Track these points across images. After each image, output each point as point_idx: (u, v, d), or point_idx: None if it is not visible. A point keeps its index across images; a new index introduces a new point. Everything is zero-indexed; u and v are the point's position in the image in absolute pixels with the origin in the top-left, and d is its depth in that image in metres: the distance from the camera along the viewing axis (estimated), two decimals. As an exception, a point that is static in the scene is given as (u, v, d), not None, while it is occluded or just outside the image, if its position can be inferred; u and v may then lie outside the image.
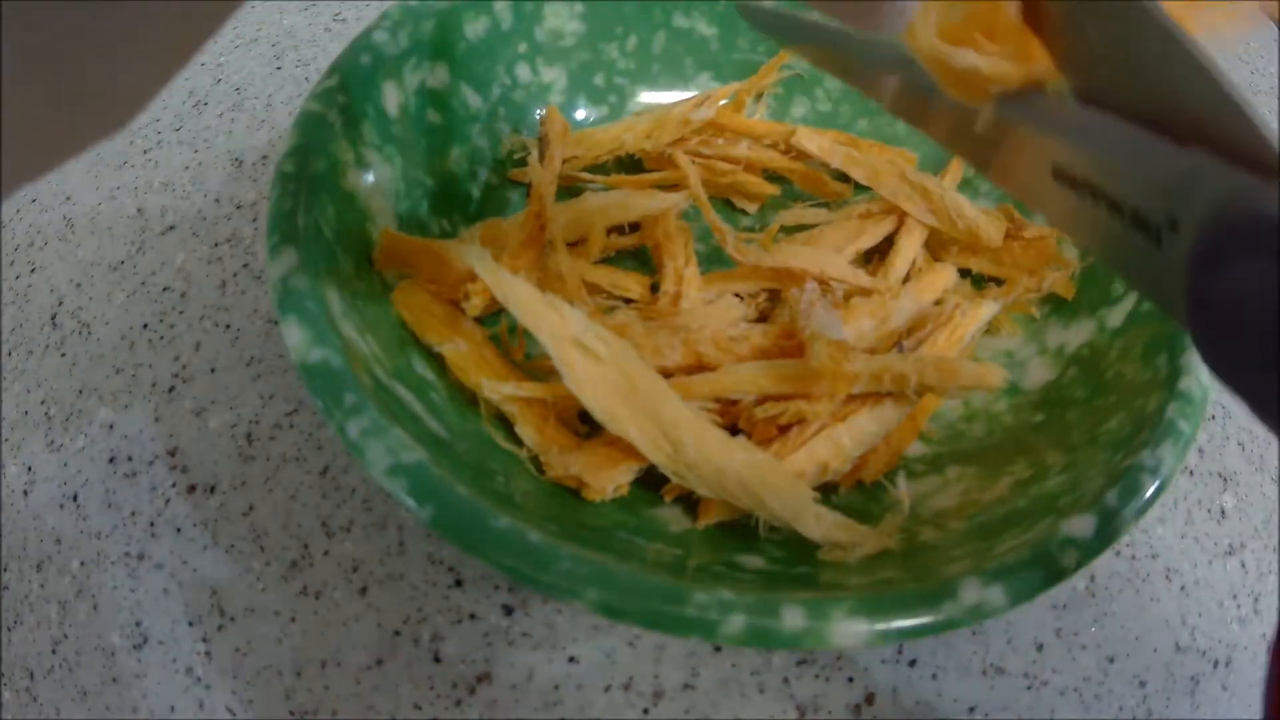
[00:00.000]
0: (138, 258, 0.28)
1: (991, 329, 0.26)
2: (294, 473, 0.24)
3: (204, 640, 0.22)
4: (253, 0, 0.37)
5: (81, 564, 0.23)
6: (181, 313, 0.27)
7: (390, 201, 0.23)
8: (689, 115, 0.27)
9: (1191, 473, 0.27)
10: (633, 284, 0.25)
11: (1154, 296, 0.14)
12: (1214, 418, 0.28)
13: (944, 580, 0.17)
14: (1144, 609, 0.24)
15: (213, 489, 0.24)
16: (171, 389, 0.25)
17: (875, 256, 0.27)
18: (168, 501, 0.24)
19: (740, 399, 0.21)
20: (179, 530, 0.23)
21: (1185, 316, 0.13)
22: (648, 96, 0.30)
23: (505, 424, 0.22)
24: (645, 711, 0.21)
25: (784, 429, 0.21)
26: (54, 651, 0.22)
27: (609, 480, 0.20)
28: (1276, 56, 0.44)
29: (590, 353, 0.19)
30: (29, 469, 0.25)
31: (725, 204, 0.29)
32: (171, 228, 0.29)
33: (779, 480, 0.19)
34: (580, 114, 0.29)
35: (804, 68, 0.31)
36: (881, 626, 0.16)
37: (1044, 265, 0.26)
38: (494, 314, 0.23)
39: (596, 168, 0.28)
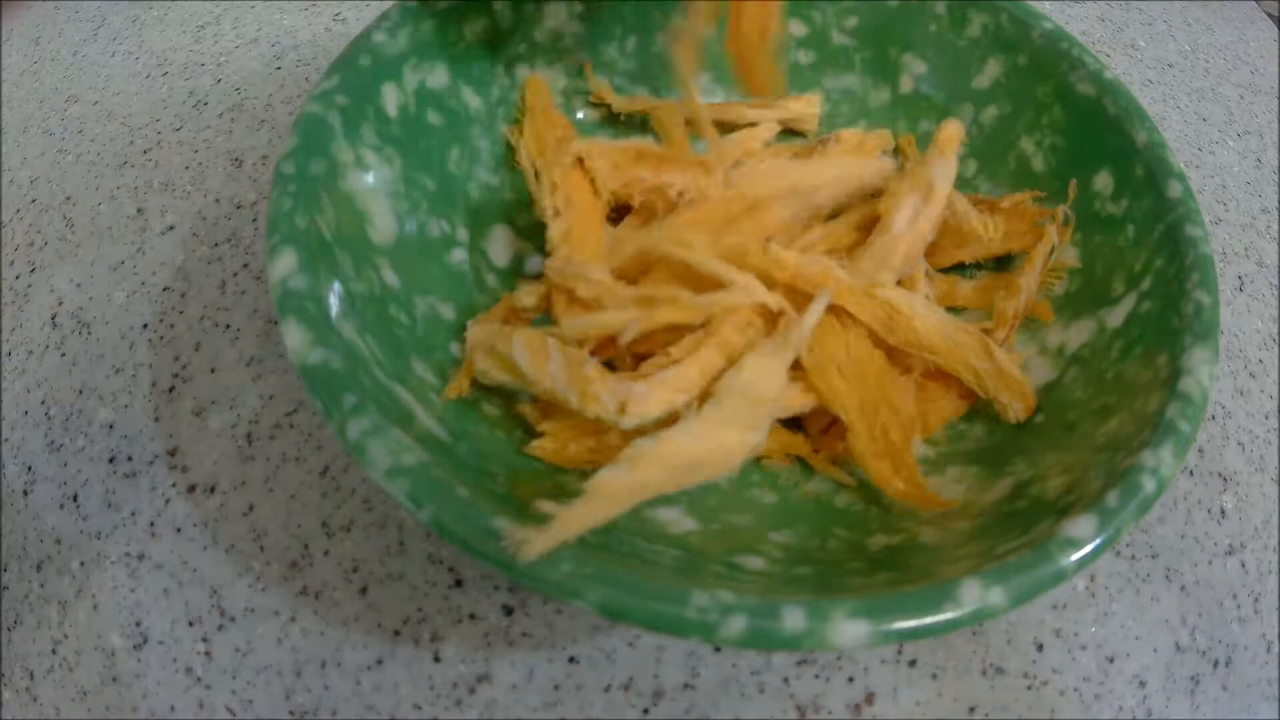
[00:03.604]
0: (138, 258, 0.28)
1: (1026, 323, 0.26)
2: (294, 473, 0.24)
3: (204, 640, 0.22)
4: (253, 0, 0.37)
5: (81, 564, 0.23)
6: (181, 313, 0.27)
7: (390, 203, 0.23)
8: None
9: (1191, 473, 0.27)
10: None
11: None
12: (1214, 418, 0.28)
13: (944, 581, 0.17)
14: (1144, 609, 0.24)
15: (213, 489, 0.24)
16: (171, 389, 0.25)
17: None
18: (168, 501, 0.24)
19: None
20: (179, 530, 0.23)
21: None
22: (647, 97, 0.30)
23: (503, 427, 0.22)
24: (645, 711, 0.21)
25: None
26: (54, 651, 0.22)
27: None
28: (1276, 56, 0.44)
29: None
30: (29, 469, 0.25)
31: None
32: (171, 228, 0.29)
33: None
34: (580, 115, 0.29)
35: (807, 63, 0.31)
36: (882, 628, 0.16)
37: (1032, 225, 0.26)
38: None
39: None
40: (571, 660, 0.22)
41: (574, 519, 0.17)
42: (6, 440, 0.25)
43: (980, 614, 0.16)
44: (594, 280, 0.22)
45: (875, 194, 0.27)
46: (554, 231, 0.24)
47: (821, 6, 0.30)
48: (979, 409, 0.24)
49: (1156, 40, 0.43)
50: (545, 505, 0.17)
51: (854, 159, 0.27)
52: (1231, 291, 0.32)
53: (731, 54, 0.23)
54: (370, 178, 0.23)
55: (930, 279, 0.26)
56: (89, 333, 0.27)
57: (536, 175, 0.26)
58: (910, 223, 0.25)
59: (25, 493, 0.24)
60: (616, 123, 0.30)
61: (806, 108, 0.30)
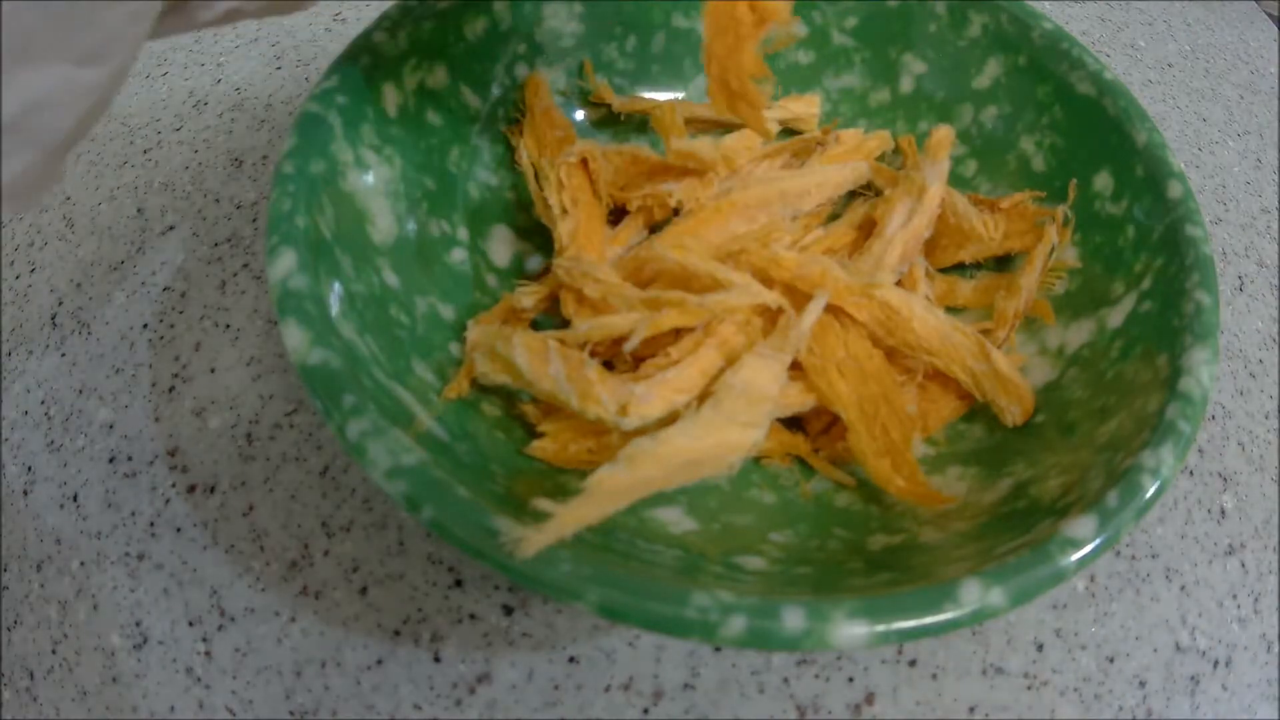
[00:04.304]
0: (138, 258, 0.28)
1: (1025, 325, 0.26)
2: (294, 473, 0.24)
3: (204, 640, 0.22)
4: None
5: (81, 564, 0.23)
6: (181, 313, 0.27)
7: (390, 203, 0.23)
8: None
9: (1191, 473, 0.27)
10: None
11: None
12: (1214, 418, 0.28)
13: (944, 581, 0.17)
14: (1144, 609, 0.24)
15: (213, 489, 0.24)
16: (171, 389, 0.25)
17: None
18: (168, 501, 0.24)
19: None
20: (179, 530, 0.23)
21: None
22: (647, 97, 0.30)
23: (502, 426, 0.22)
24: (645, 711, 0.21)
25: None
26: (54, 651, 0.22)
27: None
28: (1276, 56, 0.44)
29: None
30: (29, 469, 0.25)
31: None
32: (171, 228, 0.29)
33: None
34: (579, 115, 0.29)
35: (807, 63, 0.31)
36: (882, 628, 0.16)
37: (1032, 225, 0.26)
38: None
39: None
40: (571, 660, 0.22)
41: (572, 516, 0.17)
42: (6, 440, 0.25)
43: (980, 614, 0.16)
44: (602, 280, 0.22)
45: (877, 192, 0.28)
46: (562, 230, 0.24)
47: (821, 6, 0.30)
48: (979, 409, 0.24)
49: (1156, 40, 0.43)
50: (543, 503, 0.17)
51: (836, 164, 0.27)
52: (1231, 291, 0.32)
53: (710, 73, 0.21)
54: (370, 178, 0.23)
55: (930, 279, 0.26)
56: (89, 333, 0.27)
57: (536, 175, 0.26)
58: (903, 224, 0.25)
59: (25, 493, 0.24)
60: (616, 123, 0.30)
61: (806, 108, 0.30)
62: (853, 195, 0.28)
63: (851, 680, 0.22)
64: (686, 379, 0.21)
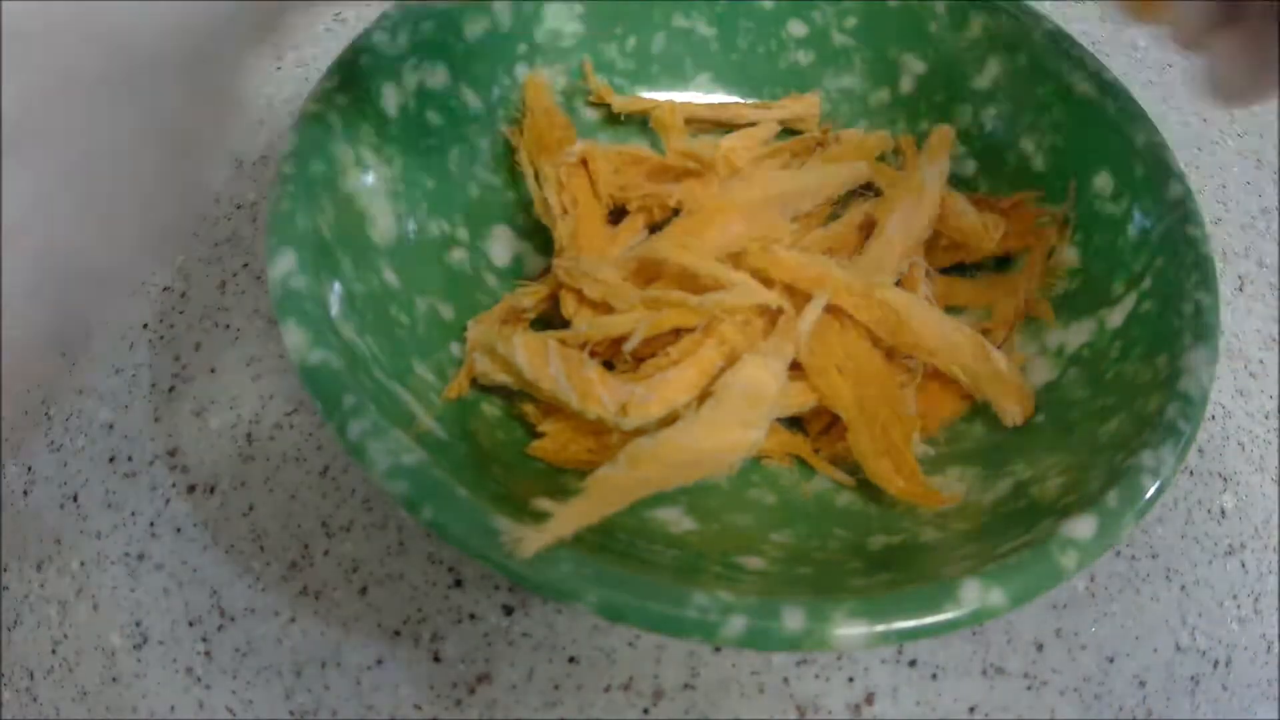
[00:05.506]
0: (137, 258, 0.28)
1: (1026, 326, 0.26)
2: (294, 473, 0.24)
3: (204, 640, 0.22)
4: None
5: (81, 564, 0.23)
6: (181, 313, 0.27)
7: (390, 203, 0.23)
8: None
9: (1191, 473, 0.27)
10: None
11: None
12: (1214, 418, 0.28)
13: (944, 581, 0.17)
14: (1144, 609, 0.24)
15: (213, 489, 0.24)
16: (171, 389, 0.25)
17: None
18: (168, 501, 0.24)
19: None
20: (179, 530, 0.23)
21: None
22: (647, 97, 0.30)
23: (503, 424, 0.22)
24: (645, 711, 0.21)
25: None
26: (54, 651, 0.22)
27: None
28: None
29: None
30: (29, 469, 0.25)
31: None
32: (171, 228, 0.29)
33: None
34: (579, 115, 0.29)
35: (807, 63, 0.31)
36: (882, 628, 0.16)
37: (1032, 225, 0.26)
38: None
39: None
40: (571, 660, 0.22)
41: (572, 516, 0.17)
42: (6, 440, 0.25)
43: (980, 614, 0.16)
44: (602, 280, 0.22)
45: (877, 192, 0.28)
46: (562, 230, 0.24)
47: (821, 6, 0.30)
48: (979, 409, 0.24)
49: (1157, 40, 0.43)
50: (543, 503, 0.17)
51: (836, 164, 0.27)
52: (1231, 291, 0.32)
53: None
54: (370, 178, 0.23)
55: (930, 279, 0.26)
56: (89, 333, 0.27)
57: (536, 175, 0.26)
58: (903, 224, 0.25)
59: (25, 493, 0.24)
60: (616, 123, 0.30)
61: (807, 108, 0.30)
62: (853, 195, 0.28)
63: (851, 680, 0.22)
64: (686, 379, 0.21)
